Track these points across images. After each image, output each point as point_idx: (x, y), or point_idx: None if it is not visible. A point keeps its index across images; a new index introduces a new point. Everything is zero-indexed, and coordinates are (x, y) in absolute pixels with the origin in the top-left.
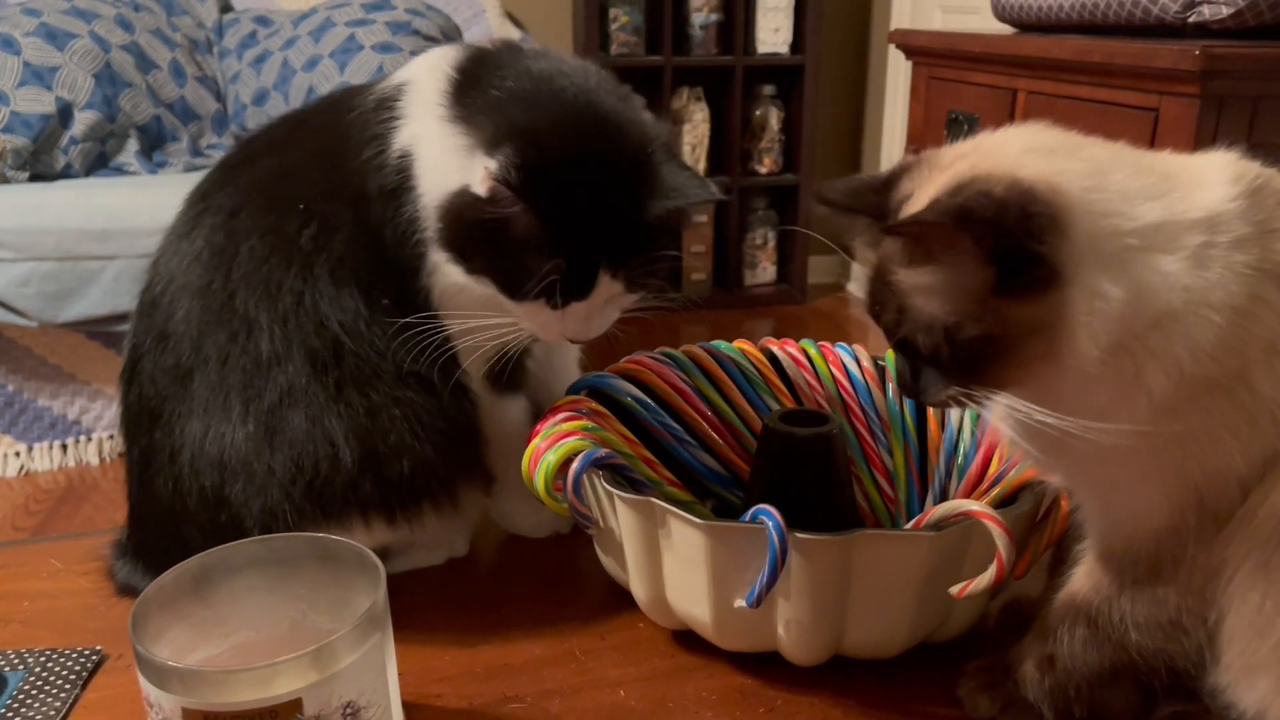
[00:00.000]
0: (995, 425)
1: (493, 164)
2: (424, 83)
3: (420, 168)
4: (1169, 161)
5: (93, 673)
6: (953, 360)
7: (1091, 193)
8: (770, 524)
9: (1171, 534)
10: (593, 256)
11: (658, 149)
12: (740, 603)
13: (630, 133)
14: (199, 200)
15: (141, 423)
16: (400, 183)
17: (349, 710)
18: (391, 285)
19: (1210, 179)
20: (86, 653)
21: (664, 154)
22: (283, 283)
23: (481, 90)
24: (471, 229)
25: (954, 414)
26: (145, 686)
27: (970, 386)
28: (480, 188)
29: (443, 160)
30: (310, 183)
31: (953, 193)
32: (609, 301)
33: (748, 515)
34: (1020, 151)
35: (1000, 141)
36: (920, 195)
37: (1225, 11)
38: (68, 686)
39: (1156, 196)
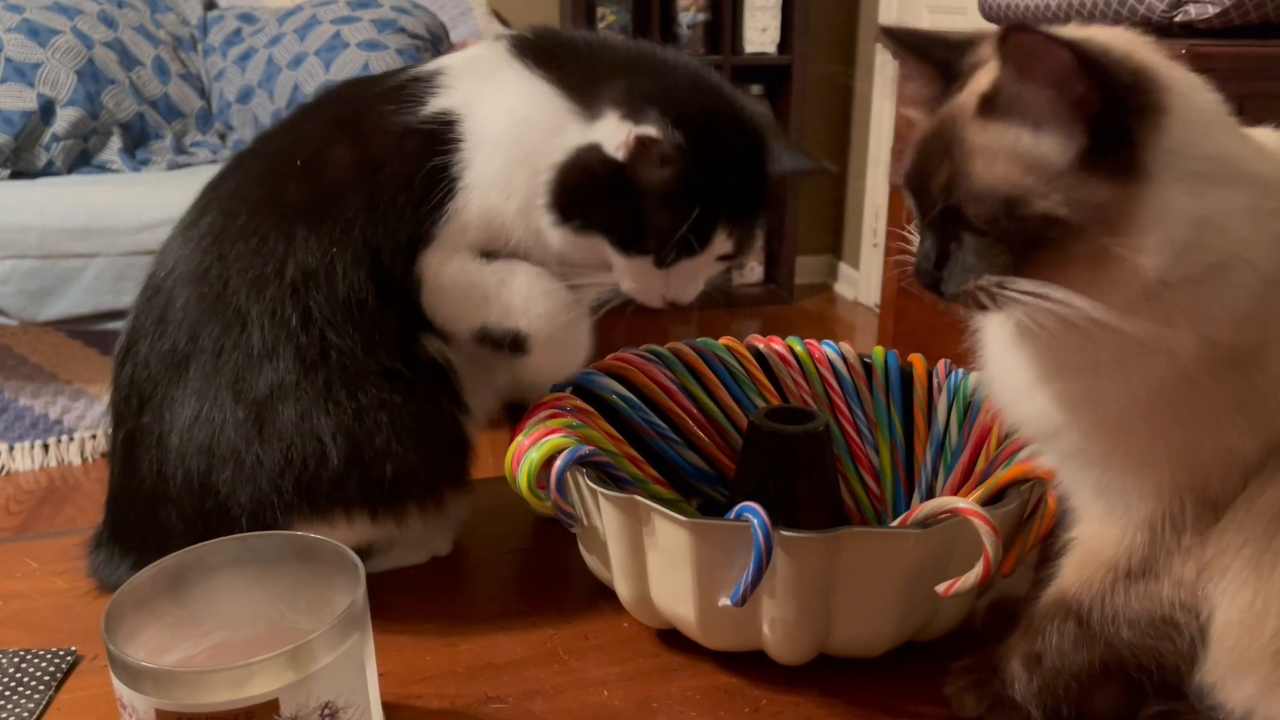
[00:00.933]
0: (1000, 393)
1: (647, 129)
2: (473, 59)
3: (477, 126)
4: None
5: (67, 673)
6: (1003, 239)
7: (1189, 99)
8: (755, 521)
9: (1166, 523)
10: (714, 213)
11: (765, 118)
12: (725, 601)
13: (745, 102)
14: (210, 190)
15: (131, 403)
16: (432, 133)
17: (327, 711)
18: (387, 240)
19: (1266, 144)
20: (61, 653)
21: (768, 122)
22: (270, 256)
23: (572, 61)
24: (600, 186)
25: (940, 408)
26: (118, 687)
27: (1008, 276)
28: (618, 149)
29: (536, 118)
30: (314, 143)
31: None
32: (708, 265)
33: (733, 513)
34: (1132, 41)
35: (1102, 30)
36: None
37: (1211, 11)
38: (41, 688)
39: (1238, 135)
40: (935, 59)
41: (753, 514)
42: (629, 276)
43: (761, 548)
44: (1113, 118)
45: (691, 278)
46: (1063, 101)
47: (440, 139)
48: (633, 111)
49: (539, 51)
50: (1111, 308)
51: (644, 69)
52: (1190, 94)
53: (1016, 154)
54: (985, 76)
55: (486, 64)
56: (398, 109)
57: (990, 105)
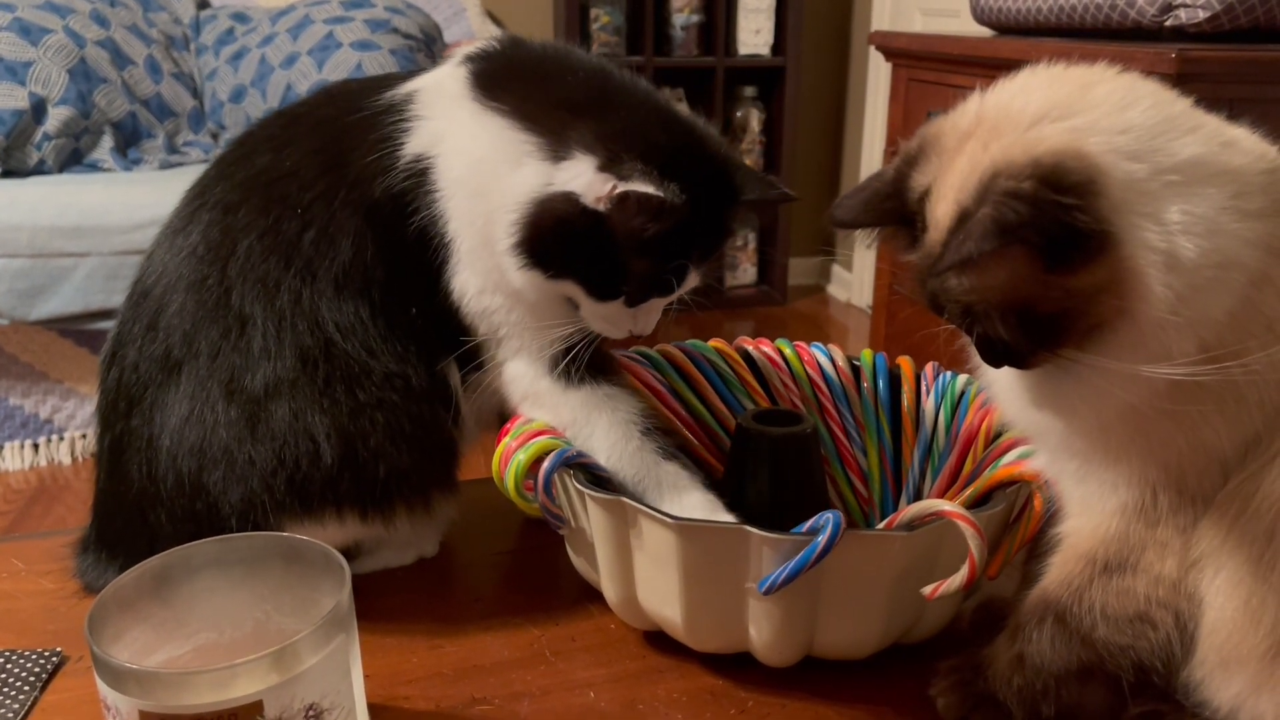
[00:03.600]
0: (995, 389)
1: (639, 186)
2: (440, 86)
3: (445, 169)
4: (1188, 102)
5: (52, 674)
6: (1035, 337)
7: (1118, 136)
8: (831, 520)
9: (1139, 514)
10: (690, 254)
11: (726, 145)
12: (751, 585)
13: (708, 134)
14: (196, 197)
15: (118, 407)
16: (413, 186)
17: (311, 712)
18: (405, 293)
19: (1238, 140)
20: (46, 654)
21: (730, 150)
22: (281, 282)
23: (527, 89)
24: (576, 236)
25: (928, 410)
26: (102, 688)
27: (1060, 350)
28: (599, 202)
29: (490, 155)
30: (308, 183)
31: (979, 197)
32: (674, 297)
33: (807, 525)
34: (1032, 121)
35: (1005, 108)
36: (941, 189)
37: (1201, 15)
38: (26, 688)
39: (1190, 130)
40: (885, 218)
41: (834, 517)
42: (598, 318)
43: (820, 545)
44: (1053, 239)
45: (657, 310)
46: (1006, 255)
47: (418, 192)
48: (612, 161)
49: (493, 80)
50: (1136, 339)
51: (606, 102)
52: (1117, 124)
53: (1003, 285)
54: (941, 209)
55: (450, 95)
56: (379, 158)
57: (955, 268)
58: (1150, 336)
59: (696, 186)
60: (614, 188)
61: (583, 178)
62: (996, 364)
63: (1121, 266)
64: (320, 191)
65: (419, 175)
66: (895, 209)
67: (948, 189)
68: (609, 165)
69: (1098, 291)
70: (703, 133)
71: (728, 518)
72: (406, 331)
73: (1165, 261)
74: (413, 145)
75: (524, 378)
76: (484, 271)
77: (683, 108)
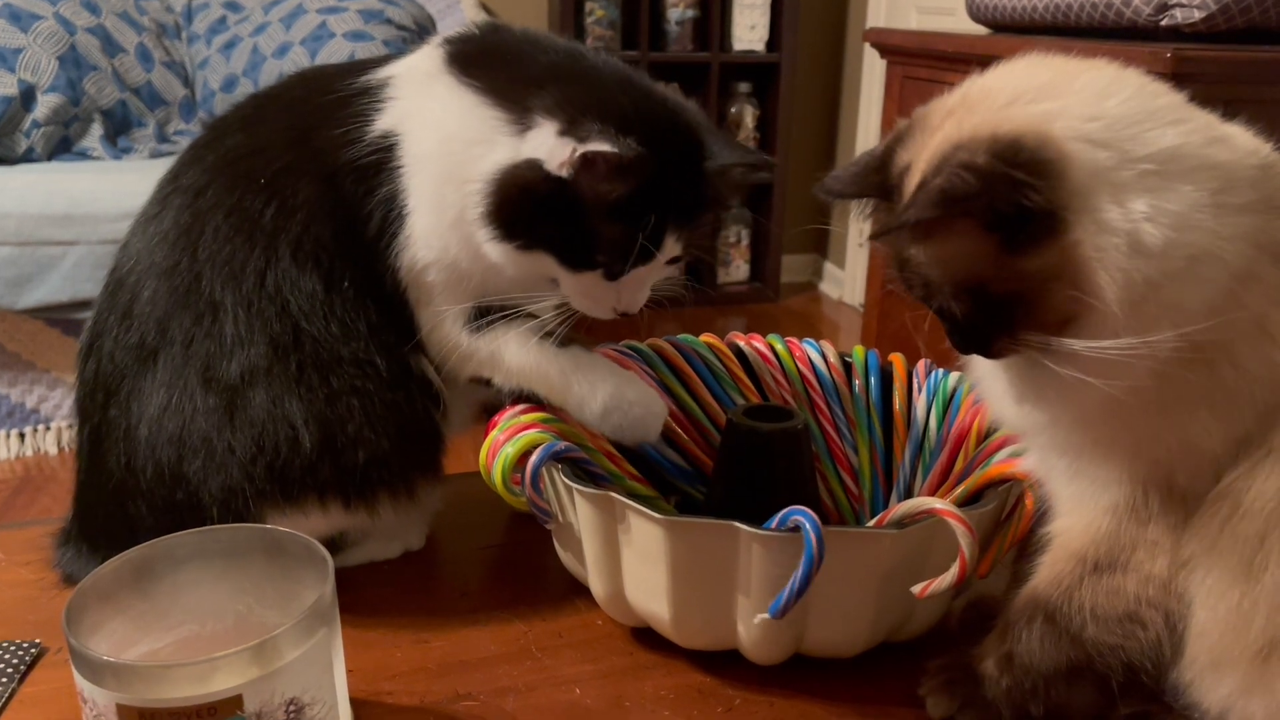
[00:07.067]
0: (986, 392)
1: (596, 145)
2: (413, 69)
3: (410, 144)
4: (1180, 98)
5: (30, 666)
6: (992, 317)
7: (1088, 123)
8: (808, 526)
9: (1130, 513)
10: (663, 218)
11: (699, 113)
12: (763, 616)
13: (680, 103)
14: (169, 182)
15: (96, 398)
16: (378, 161)
17: (292, 707)
18: (355, 266)
19: (1230, 136)
20: (25, 645)
21: (704, 119)
22: (246, 263)
23: (500, 67)
24: (542, 204)
25: (919, 408)
26: (79, 681)
27: (1018, 336)
28: (561, 167)
29: (461, 130)
30: (274, 158)
31: (936, 170)
32: (657, 270)
33: (776, 520)
34: (1006, 102)
35: (987, 90)
36: (916, 165)
37: (1197, 15)
38: (4, 680)
39: (1171, 122)
40: (870, 191)
41: (805, 519)
42: (578, 293)
43: (814, 555)
44: (1003, 214)
45: (641, 285)
46: (958, 228)
47: (383, 167)
48: (572, 125)
49: (470, 57)
50: (1103, 329)
51: (572, 74)
52: (1091, 112)
53: (956, 259)
54: (913, 184)
55: (424, 73)
56: (346, 131)
57: (913, 238)
58: (1112, 328)
59: (659, 143)
60: (574, 150)
61: (545, 144)
62: (964, 349)
63: (1073, 253)
64: (284, 165)
65: (385, 150)
66: (880, 182)
67: (922, 164)
68: (569, 129)
69: (1049, 277)
70: (674, 102)
71: (637, 386)
72: (365, 317)
73: (1128, 245)
74: (382, 123)
75: (447, 339)
76: (440, 247)
77: (661, 86)
